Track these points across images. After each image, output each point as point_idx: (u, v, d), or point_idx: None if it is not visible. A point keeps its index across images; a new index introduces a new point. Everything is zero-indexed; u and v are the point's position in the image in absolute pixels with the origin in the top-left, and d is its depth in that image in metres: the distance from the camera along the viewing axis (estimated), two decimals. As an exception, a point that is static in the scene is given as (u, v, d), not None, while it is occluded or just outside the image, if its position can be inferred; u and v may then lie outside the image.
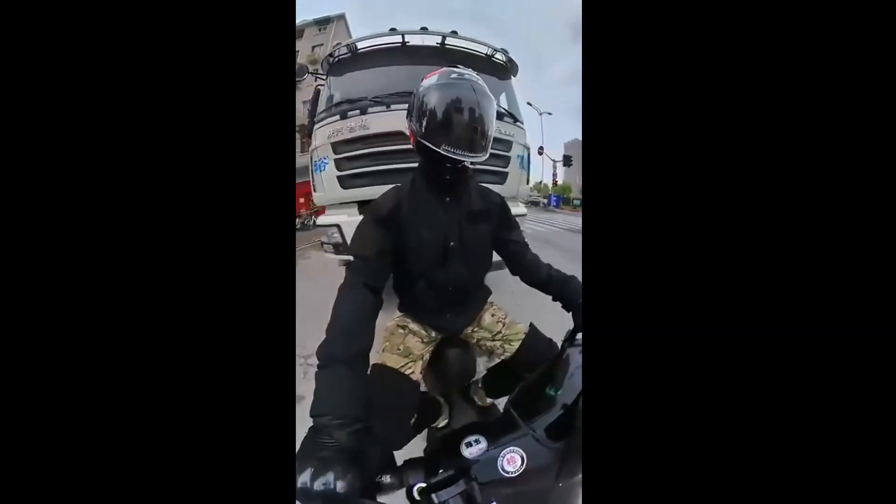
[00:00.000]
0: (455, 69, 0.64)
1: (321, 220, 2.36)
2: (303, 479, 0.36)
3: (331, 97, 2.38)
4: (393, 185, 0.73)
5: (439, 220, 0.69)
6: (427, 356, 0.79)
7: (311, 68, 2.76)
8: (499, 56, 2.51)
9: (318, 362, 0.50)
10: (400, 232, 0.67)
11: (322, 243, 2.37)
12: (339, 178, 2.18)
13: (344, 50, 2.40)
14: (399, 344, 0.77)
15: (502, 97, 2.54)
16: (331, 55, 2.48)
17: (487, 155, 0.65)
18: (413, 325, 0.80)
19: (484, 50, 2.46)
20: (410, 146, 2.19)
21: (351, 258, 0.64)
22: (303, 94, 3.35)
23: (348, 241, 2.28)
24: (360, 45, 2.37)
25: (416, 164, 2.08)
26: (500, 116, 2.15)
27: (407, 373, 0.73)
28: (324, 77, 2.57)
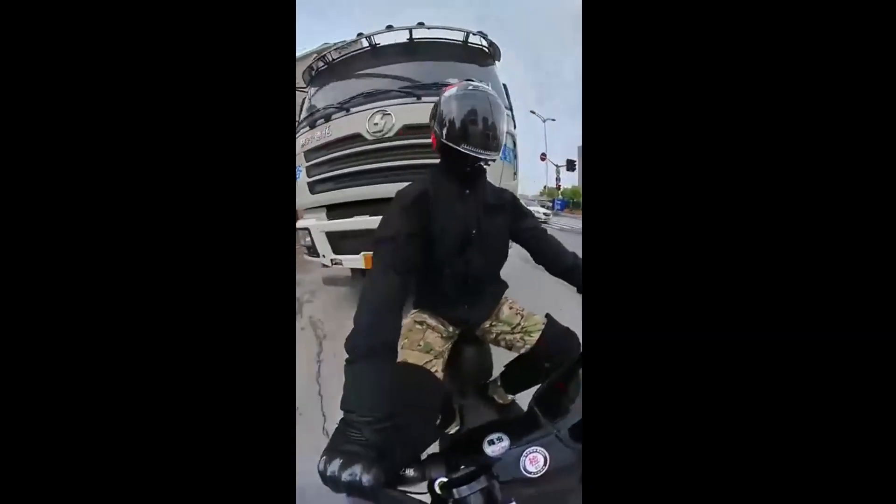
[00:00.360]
0: (472, 82, 0.75)
1: (298, 224, 2.39)
2: (331, 468, 0.37)
3: (310, 108, 2.42)
4: (417, 178, 0.76)
5: (460, 210, 0.72)
6: (447, 354, 0.78)
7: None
8: (475, 39, 2.27)
9: (346, 355, 0.48)
10: (426, 218, 0.68)
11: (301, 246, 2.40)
12: (308, 184, 2.20)
13: (321, 64, 2.45)
14: (419, 340, 0.75)
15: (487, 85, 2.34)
16: (311, 68, 2.53)
17: (500, 153, 0.72)
18: (431, 321, 0.78)
19: (458, 36, 2.26)
20: (367, 147, 2.17)
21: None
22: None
23: (317, 244, 2.32)
24: (334, 55, 2.38)
25: (372, 165, 2.07)
26: None
27: (431, 370, 0.71)
28: (305, 90, 2.63)
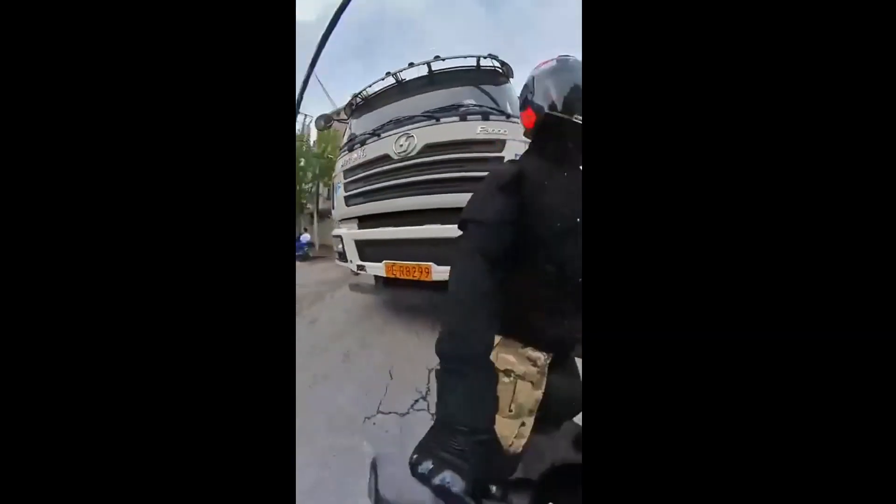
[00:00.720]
0: (568, 56, 0.67)
1: (333, 232, 2.68)
2: (422, 468, 0.37)
3: (350, 136, 2.74)
4: (507, 162, 0.68)
5: (562, 193, 0.60)
6: (538, 404, 0.61)
7: (335, 117, 3.27)
8: (487, 62, 2.38)
9: (438, 360, 0.44)
10: (525, 198, 0.57)
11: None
12: (345, 198, 2.45)
13: (359, 100, 2.80)
14: (509, 402, 0.59)
15: (499, 101, 2.28)
16: (350, 104, 2.92)
17: None
18: (520, 366, 0.61)
19: (471, 62, 2.40)
20: (394, 165, 2.40)
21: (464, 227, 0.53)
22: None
23: (346, 251, 2.48)
24: (369, 92, 2.73)
25: (397, 181, 2.26)
26: (486, 116, 2.05)
27: (519, 441, 0.57)
28: (346, 121, 3.03)
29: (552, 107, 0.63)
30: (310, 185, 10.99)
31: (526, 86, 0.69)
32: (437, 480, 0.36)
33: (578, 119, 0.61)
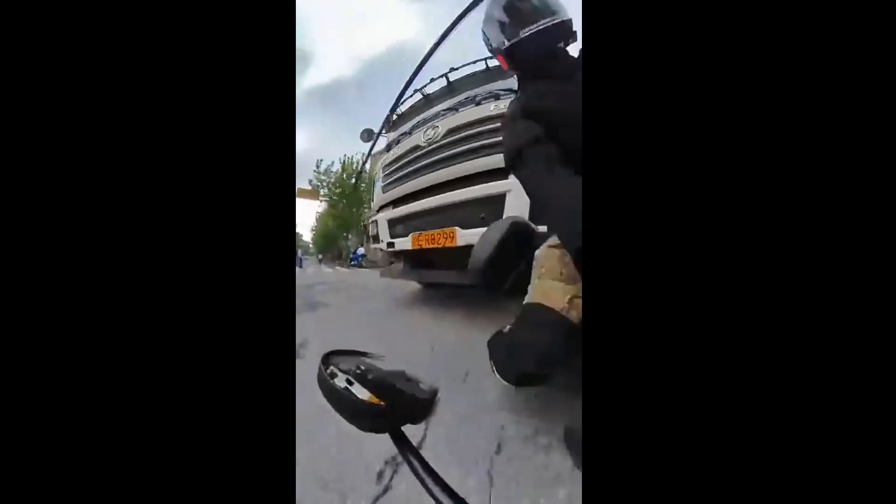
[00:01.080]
0: None
1: (370, 219, 3.06)
2: None
3: (388, 143, 3.23)
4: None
5: (571, 96, 0.53)
6: None
7: (377, 130, 3.87)
8: (494, 62, 2.53)
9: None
10: (546, 113, 0.60)
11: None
12: (381, 187, 2.87)
13: (395, 117, 3.31)
14: (559, 268, 0.58)
15: (512, 86, 2.46)
16: (387, 120, 3.41)
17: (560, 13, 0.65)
18: None
19: (481, 65, 2.63)
20: (422, 152, 2.79)
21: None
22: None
23: (379, 232, 2.77)
24: (404, 109, 3.22)
25: (424, 162, 2.57)
26: (497, 97, 2.17)
27: (573, 311, 0.54)
28: (385, 133, 3.55)
29: (510, 35, 0.65)
30: (367, 211, 12.33)
31: (484, 38, 0.71)
32: None
33: (534, 28, 0.62)
